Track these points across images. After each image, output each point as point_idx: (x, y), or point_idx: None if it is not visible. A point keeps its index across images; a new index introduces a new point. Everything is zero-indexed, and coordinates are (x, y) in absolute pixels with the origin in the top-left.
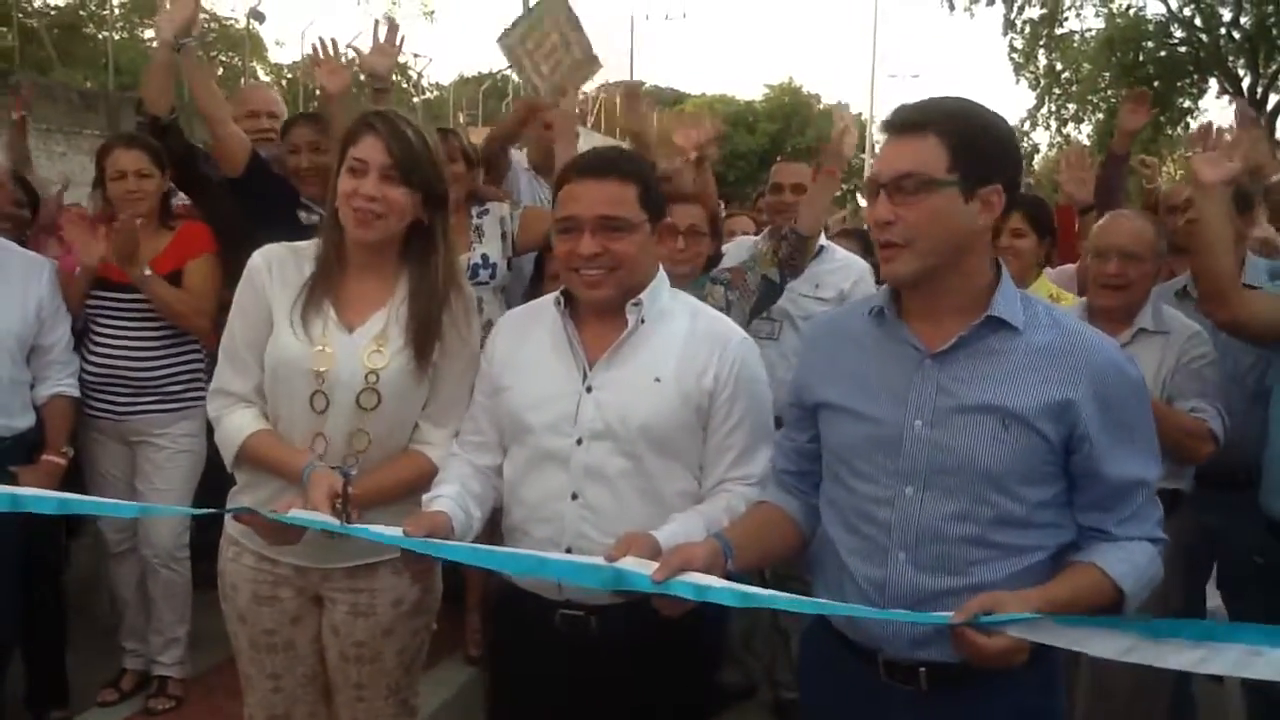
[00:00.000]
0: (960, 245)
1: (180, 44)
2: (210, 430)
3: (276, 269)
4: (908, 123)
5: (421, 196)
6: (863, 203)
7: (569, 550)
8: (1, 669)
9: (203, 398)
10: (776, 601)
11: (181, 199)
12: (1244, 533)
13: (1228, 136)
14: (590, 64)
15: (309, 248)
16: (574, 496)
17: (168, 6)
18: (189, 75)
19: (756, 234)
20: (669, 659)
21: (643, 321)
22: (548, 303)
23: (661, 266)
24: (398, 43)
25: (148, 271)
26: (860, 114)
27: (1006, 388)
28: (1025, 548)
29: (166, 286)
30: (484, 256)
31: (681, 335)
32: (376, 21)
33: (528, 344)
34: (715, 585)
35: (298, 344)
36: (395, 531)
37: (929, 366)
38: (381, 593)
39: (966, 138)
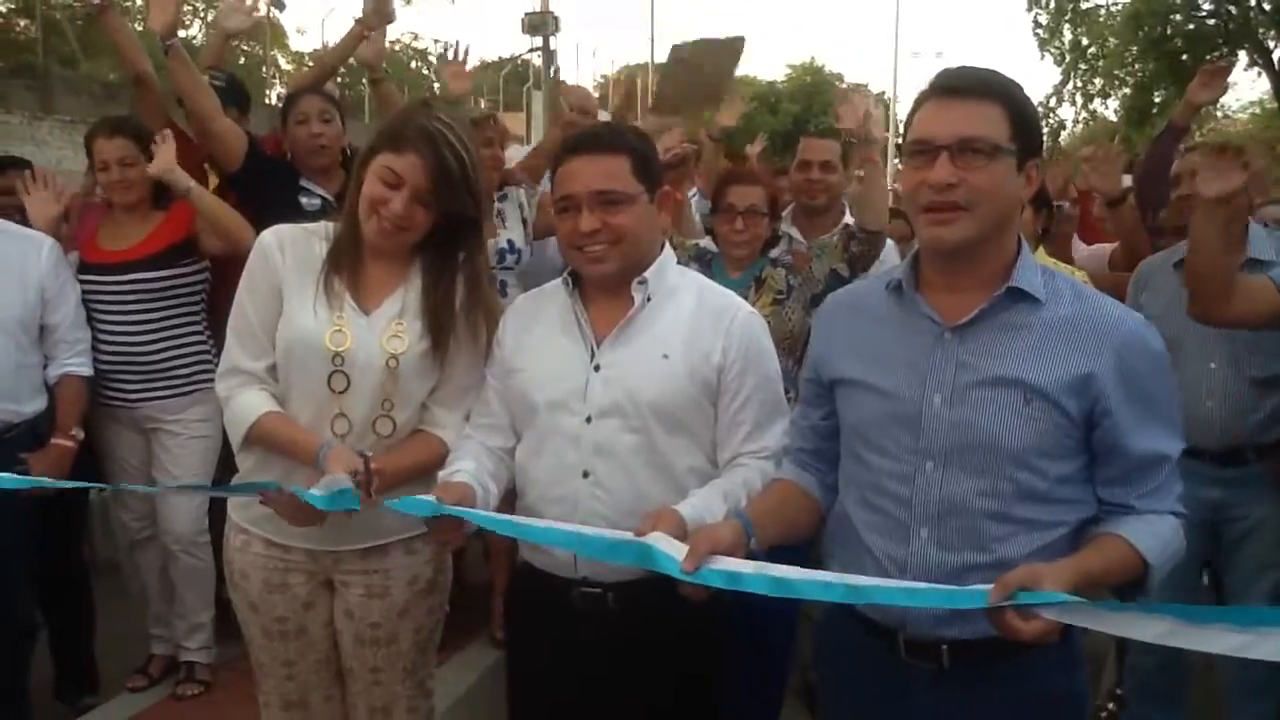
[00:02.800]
0: (1008, 216)
1: (166, 45)
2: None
3: (289, 248)
4: (970, 87)
5: (452, 218)
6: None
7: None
8: (26, 653)
9: (212, 380)
10: (811, 589)
11: None
12: (1246, 508)
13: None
14: (711, 108)
15: (320, 229)
16: (585, 474)
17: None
18: (177, 75)
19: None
20: (688, 633)
21: (649, 299)
22: (557, 284)
23: (669, 243)
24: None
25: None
26: (883, 92)
27: (1028, 361)
28: (1047, 523)
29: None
30: (510, 242)
31: (688, 312)
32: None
33: (537, 326)
34: (748, 573)
35: (315, 323)
36: (429, 499)
37: (949, 340)
38: (395, 572)
39: (1023, 110)
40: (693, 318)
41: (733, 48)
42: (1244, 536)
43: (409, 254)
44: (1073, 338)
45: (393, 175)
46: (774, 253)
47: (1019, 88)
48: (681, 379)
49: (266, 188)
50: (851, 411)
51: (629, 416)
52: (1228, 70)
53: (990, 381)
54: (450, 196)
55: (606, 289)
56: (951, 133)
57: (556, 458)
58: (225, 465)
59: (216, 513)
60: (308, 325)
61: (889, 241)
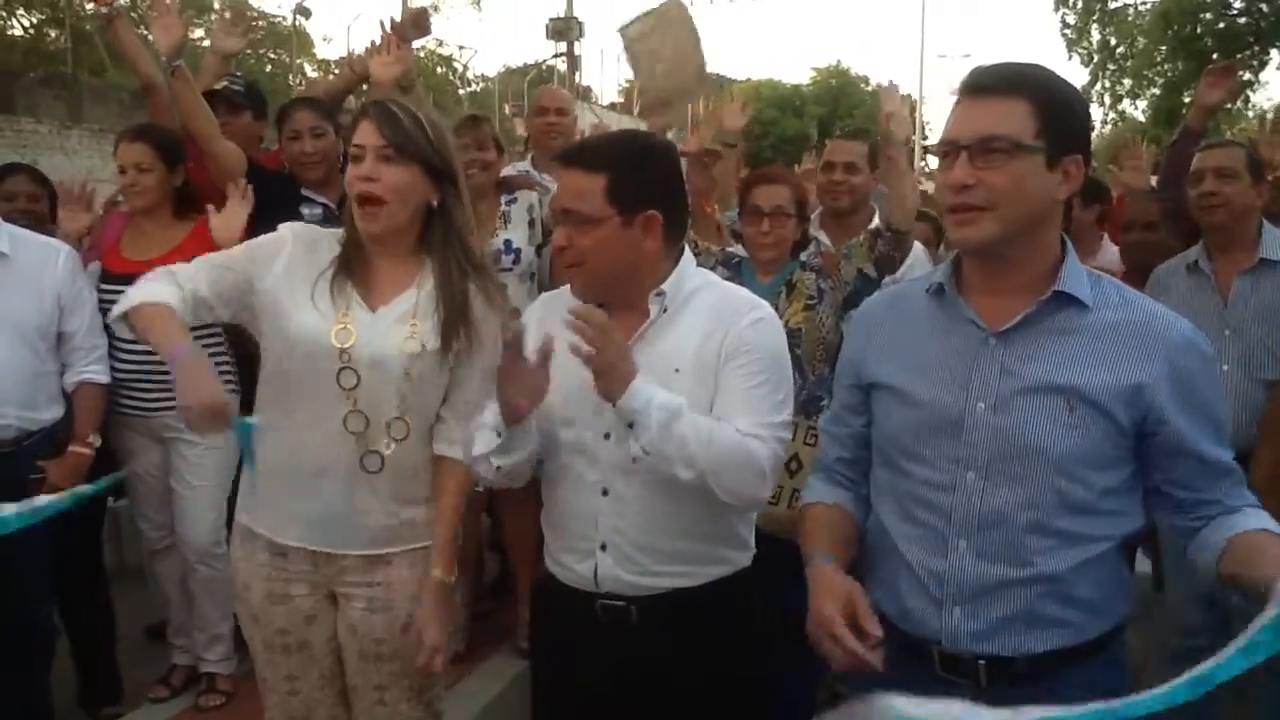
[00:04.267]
0: (1038, 216)
1: (171, 66)
2: None
3: (302, 248)
4: (995, 84)
5: (421, 169)
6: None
7: (604, 546)
8: (46, 660)
9: (231, 388)
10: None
11: None
12: None
13: None
14: (699, 86)
15: (333, 234)
16: (604, 492)
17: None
18: (179, 95)
19: None
20: (713, 645)
21: (664, 311)
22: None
23: (689, 250)
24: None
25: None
26: (909, 94)
27: (1075, 368)
28: (1091, 536)
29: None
30: (507, 242)
31: (702, 320)
32: (380, 33)
33: (557, 340)
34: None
35: (319, 321)
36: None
37: (993, 345)
38: (398, 585)
39: (1055, 104)
40: (705, 326)
41: (674, 16)
42: None
43: (416, 254)
44: (1122, 344)
45: (356, 149)
46: (804, 255)
47: (1056, 81)
48: (694, 393)
49: (268, 202)
50: (888, 418)
51: None
52: (1233, 69)
53: (1036, 388)
54: (407, 144)
55: (617, 303)
56: (972, 132)
57: (577, 476)
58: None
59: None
60: (310, 323)
61: (918, 245)
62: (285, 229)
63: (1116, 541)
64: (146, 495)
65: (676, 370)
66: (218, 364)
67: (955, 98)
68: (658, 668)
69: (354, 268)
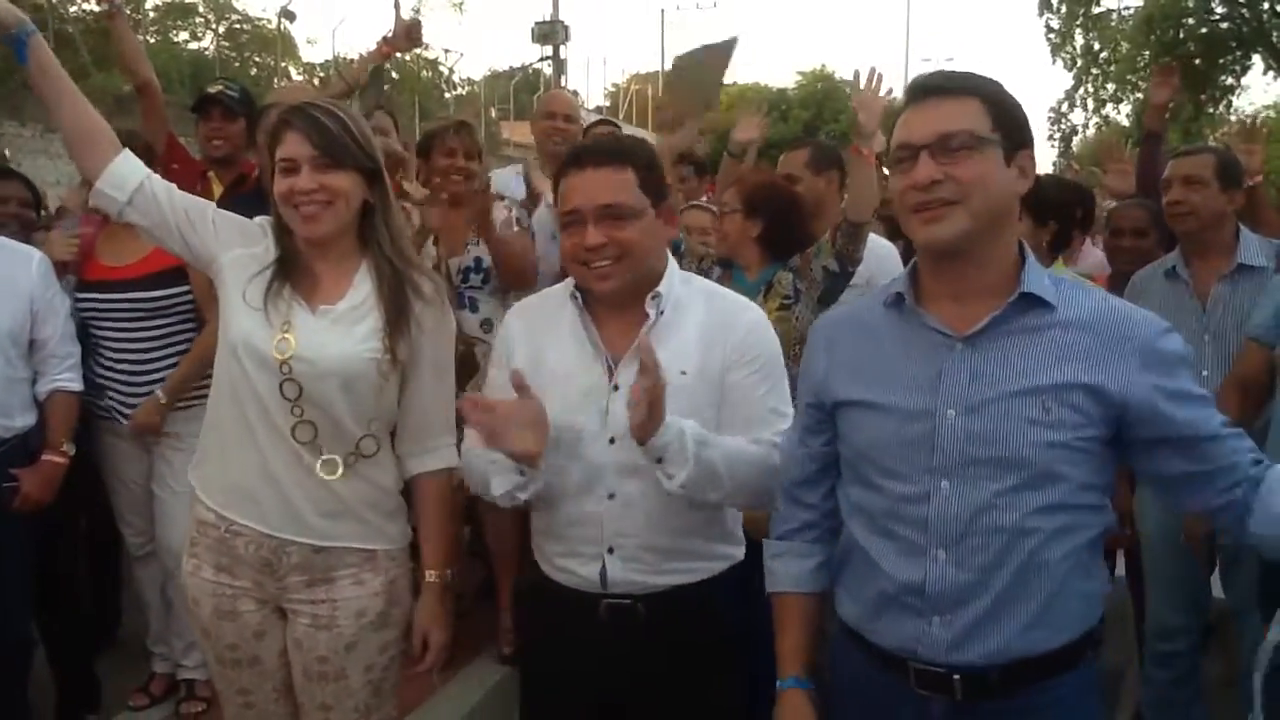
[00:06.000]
0: (1002, 210)
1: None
2: None
3: (240, 232)
4: (948, 86)
5: (360, 174)
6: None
7: (610, 550)
8: (24, 668)
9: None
10: None
11: None
12: None
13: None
14: (706, 106)
15: (265, 223)
16: (610, 496)
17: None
18: (121, 35)
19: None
20: (717, 643)
21: (662, 313)
22: (562, 297)
23: (670, 254)
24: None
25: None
26: (892, 92)
27: (1048, 367)
28: (1070, 529)
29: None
30: (477, 260)
31: (700, 322)
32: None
33: (549, 346)
34: None
35: (260, 328)
36: None
37: (960, 350)
38: (342, 604)
39: (1003, 103)
40: (704, 328)
41: (726, 49)
42: (1238, 547)
43: (354, 256)
44: (1093, 340)
45: (286, 162)
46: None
47: (997, 83)
48: (699, 395)
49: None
50: (858, 434)
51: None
52: (1174, 69)
53: (1010, 391)
54: (342, 151)
55: (615, 304)
56: (929, 131)
57: (581, 481)
58: None
59: None
60: (249, 329)
61: (876, 238)
62: (256, 224)
63: (1095, 532)
64: (129, 501)
65: (683, 373)
66: (184, 343)
67: (903, 107)
68: (661, 664)
69: (292, 275)
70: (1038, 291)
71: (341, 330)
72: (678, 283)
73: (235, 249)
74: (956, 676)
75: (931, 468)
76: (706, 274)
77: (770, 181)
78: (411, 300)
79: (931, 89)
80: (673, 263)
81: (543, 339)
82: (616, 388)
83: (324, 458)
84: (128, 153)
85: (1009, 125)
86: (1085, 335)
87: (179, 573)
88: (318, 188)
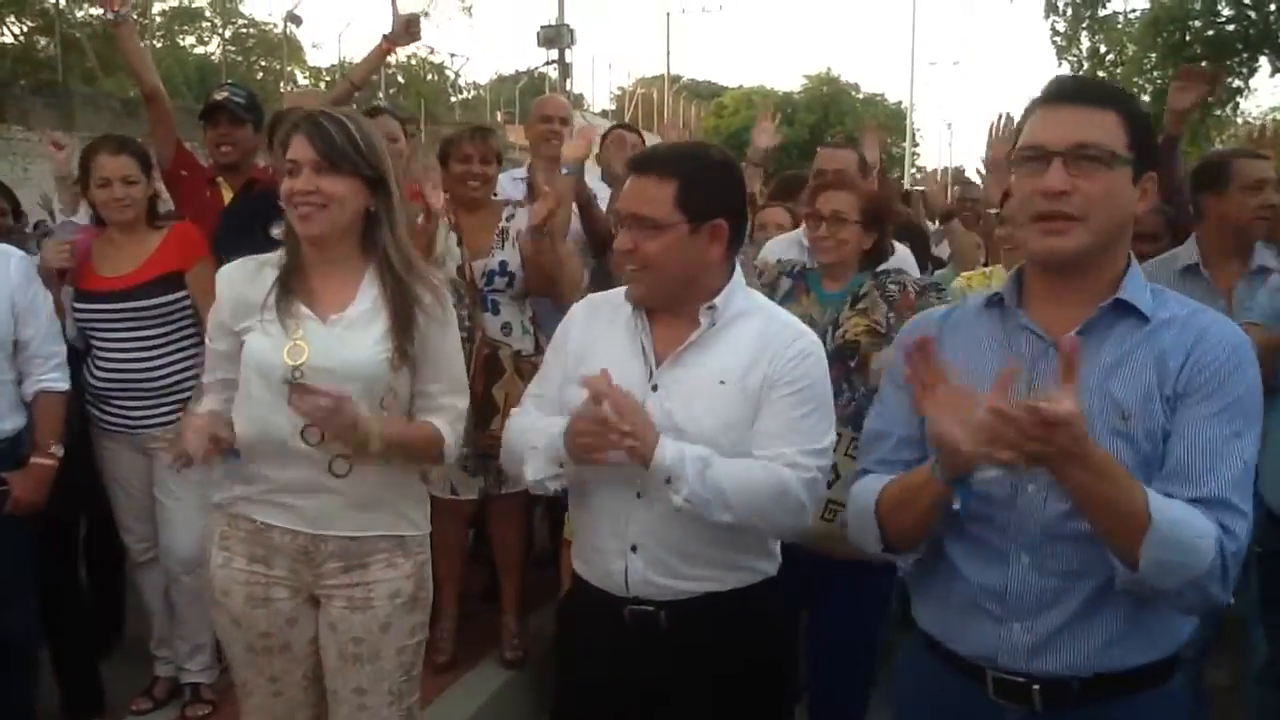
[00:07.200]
0: (1121, 229)
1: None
2: None
3: (233, 283)
4: (1086, 94)
5: (360, 181)
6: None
7: (634, 548)
8: (28, 672)
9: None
10: None
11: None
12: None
13: None
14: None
15: (273, 257)
16: (639, 495)
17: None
18: (126, 46)
19: (793, 227)
20: (739, 652)
21: (713, 324)
22: (624, 296)
23: (740, 267)
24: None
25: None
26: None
27: (1129, 378)
28: None
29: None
30: (501, 264)
31: (750, 338)
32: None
33: (604, 337)
34: None
35: (270, 342)
36: None
37: (1053, 355)
38: (377, 585)
39: (1141, 122)
40: (755, 345)
41: None
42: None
43: (358, 261)
44: (1173, 353)
45: (290, 164)
46: (881, 268)
47: (1135, 99)
48: (737, 406)
49: (267, 216)
50: None
51: (686, 438)
52: (1203, 74)
53: (1095, 396)
54: (343, 157)
55: (667, 309)
56: (1064, 138)
57: (611, 478)
58: None
59: None
60: (263, 345)
61: (905, 250)
62: (220, 275)
63: None
64: (129, 507)
65: (721, 382)
66: (193, 358)
67: (1035, 104)
68: (683, 673)
69: (298, 283)
70: (1133, 300)
71: (355, 336)
72: (740, 298)
73: (243, 320)
74: (1036, 686)
75: (1019, 470)
76: (773, 286)
77: (886, 195)
78: (415, 305)
79: (1073, 94)
80: (738, 276)
81: (597, 331)
82: (655, 388)
83: (336, 456)
84: None
85: (1143, 145)
86: (1169, 346)
87: (183, 577)
88: (314, 190)
